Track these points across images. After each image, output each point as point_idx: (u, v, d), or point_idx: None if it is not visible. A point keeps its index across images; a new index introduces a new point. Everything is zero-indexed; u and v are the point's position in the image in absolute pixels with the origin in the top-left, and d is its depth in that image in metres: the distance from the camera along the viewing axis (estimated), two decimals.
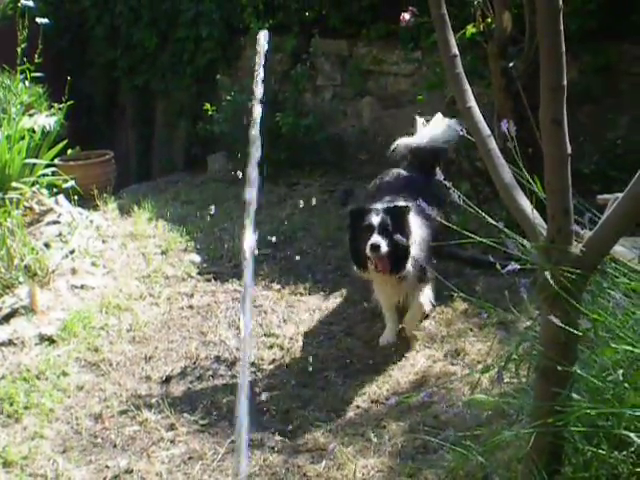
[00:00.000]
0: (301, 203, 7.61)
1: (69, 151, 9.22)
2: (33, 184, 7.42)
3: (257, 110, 4.14)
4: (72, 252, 6.52)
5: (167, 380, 4.95)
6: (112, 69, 11.88)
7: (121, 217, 7.94)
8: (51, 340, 5.34)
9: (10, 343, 5.26)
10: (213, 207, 7.74)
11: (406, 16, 6.20)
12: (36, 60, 8.15)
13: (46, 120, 8.38)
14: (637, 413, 2.54)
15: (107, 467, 4.09)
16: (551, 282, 2.59)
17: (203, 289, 6.27)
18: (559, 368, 2.65)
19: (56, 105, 8.89)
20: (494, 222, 2.91)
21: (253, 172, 3.98)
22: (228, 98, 9.25)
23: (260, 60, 4.46)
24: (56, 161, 8.31)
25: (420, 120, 5.78)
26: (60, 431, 4.43)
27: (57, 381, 4.89)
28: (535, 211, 2.77)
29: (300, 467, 3.94)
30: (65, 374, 4.99)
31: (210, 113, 9.40)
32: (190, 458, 4.12)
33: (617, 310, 2.78)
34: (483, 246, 3.12)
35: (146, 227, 7.49)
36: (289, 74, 9.08)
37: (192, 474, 3.99)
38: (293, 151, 8.67)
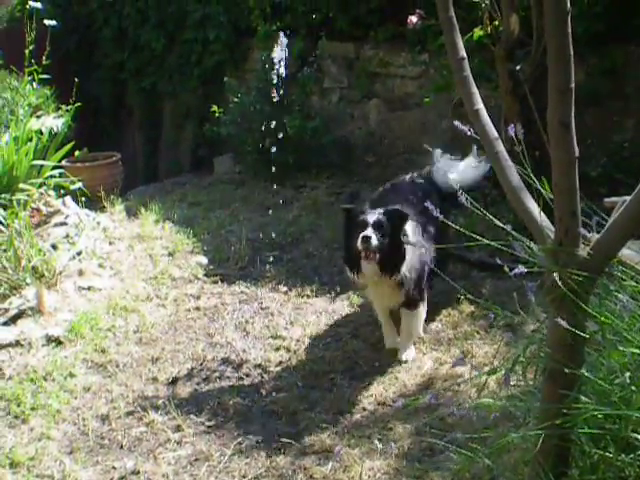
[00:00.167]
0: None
1: (76, 153, 9.26)
2: (40, 186, 7.44)
3: None
4: (79, 253, 6.53)
5: (174, 381, 4.95)
6: (119, 71, 11.92)
7: (128, 219, 7.95)
8: (58, 341, 5.34)
9: (17, 344, 5.27)
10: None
11: (413, 19, 6.22)
12: (44, 62, 8.17)
13: (54, 122, 8.40)
14: None
15: (114, 468, 4.10)
16: (559, 284, 2.59)
17: (210, 291, 6.27)
18: (566, 370, 2.65)
19: (64, 107, 8.91)
20: (501, 225, 2.91)
21: None
22: (235, 100, 9.26)
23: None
24: (63, 163, 8.33)
25: (438, 152, 5.67)
26: (67, 432, 4.44)
27: (64, 382, 4.90)
28: (542, 213, 2.77)
29: (306, 469, 3.94)
30: (72, 375, 4.99)
31: (217, 115, 9.41)
32: (197, 459, 4.12)
33: (624, 313, 2.78)
34: (490, 249, 3.12)
35: (153, 229, 7.49)
36: (296, 77, 9.09)
37: (198, 475, 3.99)
38: (300, 153, 8.67)
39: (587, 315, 2.66)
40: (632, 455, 2.62)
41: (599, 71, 6.54)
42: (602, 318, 2.71)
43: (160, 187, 9.94)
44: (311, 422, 4.38)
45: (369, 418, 4.38)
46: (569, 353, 2.71)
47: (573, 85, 2.51)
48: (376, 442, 4.09)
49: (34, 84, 8.49)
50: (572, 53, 2.49)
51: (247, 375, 4.99)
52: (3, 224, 6.32)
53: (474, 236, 3.09)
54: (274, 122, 8.17)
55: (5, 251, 5.98)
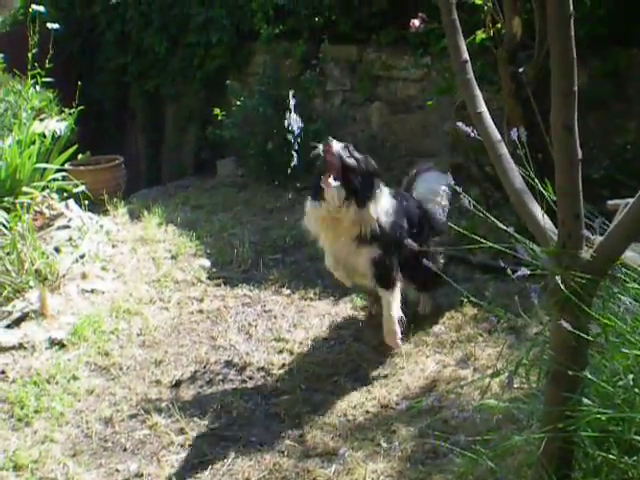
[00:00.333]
0: None
1: (79, 156, 9.25)
2: (43, 189, 7.45)
3: None
4: (82, 256, 6.54)
5: (177, 384, 4.95)
6: (122, 74, 11.94)
7: (131, 222, 7.96)
8: (61, 344, 5.35)
9: (21, 347, 5.28)
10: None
11: (416, 22, 6.21)
12: (47, 65, 8.17)
13: (57, 125, 8.41)
14: None
15: (117, 471, 4.10)
16: (562, 287, 2.60)
17: (213, 294, 6.28)
18: (569, 373, 2.65)
19: (67, 110, 8.91)
20: (504, 227, 2.91)
21: None
22: (238, 103, 9.27)
23: None
24: (66, 166, 8.33)
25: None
26: (70, 435, 4.44)
27: (67, 385, 4.91)
28: (546, 216, 2.78)
29: (310, 471, 3.95)
30: (75, 378, 5.00)
31: (220, 118, 9.42)
32: (200, 462, 4.12)
33: (627, 315, 2.78)
34: (492, 251, 3.12)
35: (156, 232, 7.50)
36: (299, 79, 9.10)
37: (202, 478, 3.99)
38: (302, 156, 8.68)
39: (590, 317, 2.66)
40: (635, 457, 2.62)
41: (602, 74, 6.54)
42: (605, 320, 2.71)
43: (163, 190, 9.95)
44: (314, 425, 4.38)
45: (372, 420, 4.38)
46: (572, 355, 2.71)
47: (576, 88, 2.52)
48: (379, 444, 4.09)
49: (37, 87, 8.49)
50: (575, 56, 2.49)
51: (250, 378, 4.99)
52: (6, 227, 6.32)
53: (477, 238, 3.09)
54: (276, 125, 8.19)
55: (8, 254, 5.98)
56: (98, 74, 12.17)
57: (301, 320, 5.73)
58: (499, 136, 2.92)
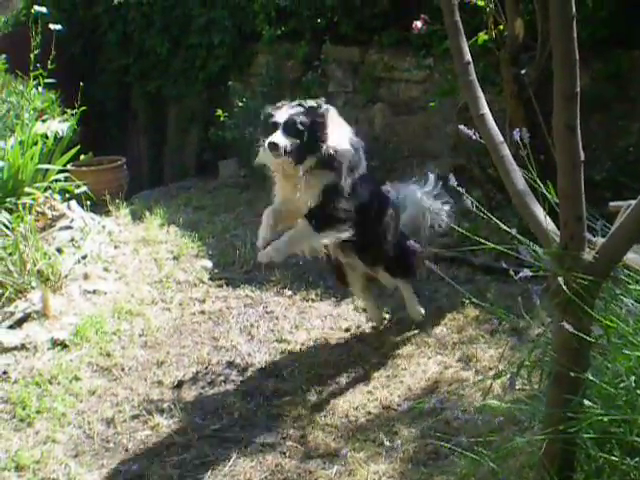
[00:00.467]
0: None
1: (81, 157, 9.29)
2: (46, 189, 7.45)
3: None
4: (84, 257, 6.54)
5: (179, 385, 4.95)
6: (124, 75, 11.94)
7: (133, 222, 7.96)
8: (63, 345, 5.35)
9: (23, 347, 5.28)
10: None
11: (418, 24, 6.23)
12: (49, 66, 8.19)
13: (59, 126, 8.41)
14: None
15: (119, 472, 4.11)
16: (564, 288, 2.60)
17: (215, 295, 6.28)
18: (571, 374, 2.65)
19: (69, 111, 8.94)
20: (507, 229, 2.91)
21: None
22: (240, 104, 9.27)
23: None
24: (69, 167, 8.33)
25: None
26: (72, 435, 4.44)
27: (69, 386, 4.91)
28: (548, 218, 2.78)
29: (312, 472, 3.95)
30: (77, 379, 5.00)
31: (222, 119, 9.42)
32: (202, 463, 4.12)
33: (629, 317, 2.79)
34: (494, 253, 3.12)
35: (158, 233, 7.51)
36: (300, 81, 9.10)
37: (204, 479, 4.00)
38: None
39: (592, 319, 2.66)
40: (637, 459, 2.62)
41: (604, 76, 6.53)
42: (607, 322, 2.72)
43: (165, 191, 9.95)
44: (316, 426, 4.38)
45: (374, 422, 4.38)
46: (574, 357, 2.71)
47: (578, 90, 2.52)
48: (381, 445, 4.10)
49: (39, 88, 8.50)
50: (577, 58, 2.49)
51: (252, 379, 4.99)
52: (9, 228, 6.32)
53: (479, 240, 3.09)
54: None
55: (11, 255, 5.99)
56: (100, 75, 12.17)
57: (303, 321, 5.73)
58: (501, 138, 2.92)
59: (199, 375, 5.06)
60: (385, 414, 4.45)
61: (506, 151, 2.89)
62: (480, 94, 2.96)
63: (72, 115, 8.78)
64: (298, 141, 4.58)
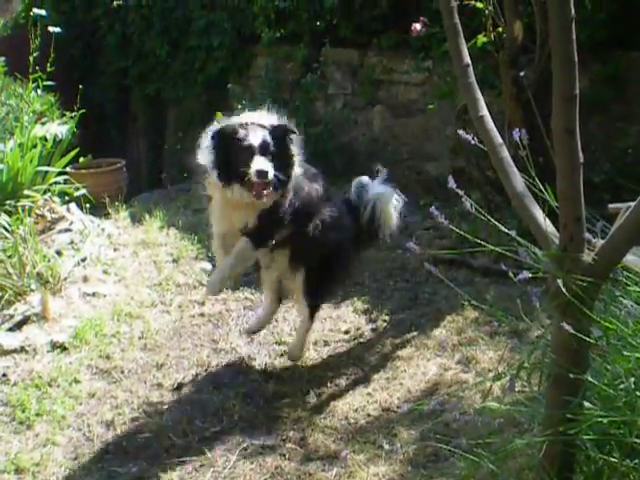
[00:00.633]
0: None
1: (81, 159, 9.29)
2: (45, 192, 7.45)
3: None
4: (84, 260, 6.54)
5: (178, 387, 4.95)
6: (123, 77, 11.95)
7: (132, 225, 7.96)
8: (63, 347, 5.35)
9: (22, 350, 5.28)
10: None
11: (417, 27, 6.24)
12: (48, 69, 8.20)
13: (58, 128, 8.41)
14: None
15: (119, 474, 4.10)
16: (563, 290, 2.60)
17: (214, 297, 6.27)
18: (571, 376, 2.65)
19: (68, 113, 8.94)
20: (506, 230, 2.91)
21: None
22: (239, 107, 9.27)
23: None
24: (68, 169, 8.34)
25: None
26: (72, 438, 4.44)
27: (69, 388, 4.91)
28: (547, 219, 2.78)
29: (311, 474, 3.95)
30: (77, 381, 5.00)
31: None
32: (202, 465, 4.12)
33: (629, 318, 2.79)
34: (494, 255, 3.13)
35: (157, 235, 7.50)
36: (300, 83, 9.11)
37: None
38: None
39: (592, 321, 2.66)
40: (637, 460, 2.62)
41: (603, 78, 6.54)
42: (607, 323, 2.72)
43: (164, 193, 9.94)
44: (316, 428, 4.38)
45: (374, 424, 4.38)
46: (574, 359, 2.71)
47: (577, 92, 2.52)
48: (381, 448, 4.10)
49: (38, 91, 8.51)
50: (576, 60, 2.50)
51: (252, 381, 4.99)
52: (8, 230, 6.32)
53: (478, 242, 3.10)
54: None
55: (10, 257, 5.99)
56: (99, 77, 12.17)
57: None
58: (500, 140, 2.92)
59: (199, 377, 5.06)
60: (385, 416, 4.46)
61: (505, 153, 2.89)
62: (479, 96, 2.96)
63: (71, 118, 8.78)
64: (272, 165, 4.33)
